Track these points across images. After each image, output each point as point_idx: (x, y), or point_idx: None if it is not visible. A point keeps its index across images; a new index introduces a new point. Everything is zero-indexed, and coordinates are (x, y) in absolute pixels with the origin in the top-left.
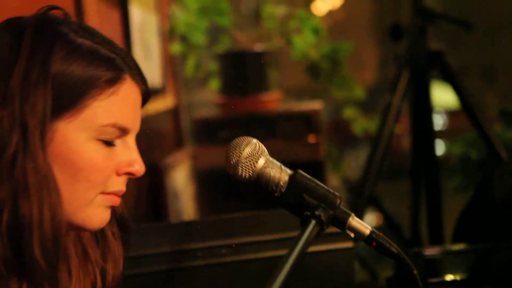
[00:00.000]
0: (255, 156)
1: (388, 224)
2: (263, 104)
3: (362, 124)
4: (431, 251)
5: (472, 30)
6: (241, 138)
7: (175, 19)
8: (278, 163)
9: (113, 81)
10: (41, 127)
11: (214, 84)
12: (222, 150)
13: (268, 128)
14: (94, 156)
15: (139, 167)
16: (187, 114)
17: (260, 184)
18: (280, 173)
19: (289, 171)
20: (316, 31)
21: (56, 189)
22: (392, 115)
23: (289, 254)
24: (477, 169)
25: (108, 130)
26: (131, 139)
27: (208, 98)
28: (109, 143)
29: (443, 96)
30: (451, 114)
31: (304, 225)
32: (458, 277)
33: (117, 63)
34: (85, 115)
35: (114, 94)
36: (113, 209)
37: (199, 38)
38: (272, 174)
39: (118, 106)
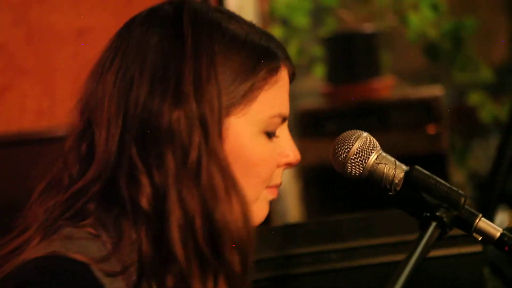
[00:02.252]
0: (366, 152)
1: None
2: (374, 91)
3: (491, 110)
4: None
5: None
6: (349, 132)
7: (275, 0)
8: (392, 159)
9: (275, 69)
10: (218, 124)
11: (319, 71)
12: (329, 144)
13: (381, 118)
14: (264, 150)
15: (297, 156)
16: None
17: (372, 182)
18: (394, 169)
19: (404, 167)
20: (435, 7)
21: (240, 187)
22: None
23: (407, 260)
24: None
25: (274, 121)
26: (285, 127)
27: (313, 86)
28: (271, 135)
29: None
30: None
31: (423, 227)
32: None
33: (273, 50)
34: (254, 107)
35: (277, 82)
36: None
37: (302, 20)
38: (385, 171)
39: (280, 94)
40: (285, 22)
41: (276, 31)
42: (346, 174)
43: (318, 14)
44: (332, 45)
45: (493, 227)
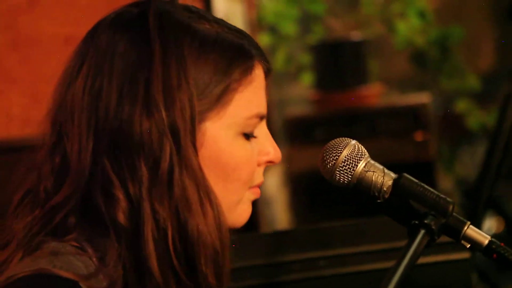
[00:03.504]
0: (354, 159)
1: (510, 231)
2: (362, 98)
3: (477, 117)
4: None
5: None
6: (337, 139)
7: (263, 7)
8: (381, 166)
9: (249, 69)
10: (191, 132)
11: (307, 79)
12: (318, 151)
13: (369, 125)
14: (243, 152)
15: (278, 154)
16: (277, 112)
17: (360, 189)
18: (382, 177)
19: (393, 175)
20: (422, 15)
21: (216, 198)
22: None
23: (395, 268)
24: None
25: (251, 122)
26: (264, 125)
27: (301, 94)
28: (250, 135)
29: None
30: None
31: (411, 234)
32: None
33: (246, 48)
34: (230, 110)
35: (252, 81)
36: None
37: (290, 28)
38: (373, 178)
39: (256, 93)
40: (273, 30)
41: (264, 39)
42: (335, 181)
43: (306, 22)
44: (320, 53)
45: (481, 235)
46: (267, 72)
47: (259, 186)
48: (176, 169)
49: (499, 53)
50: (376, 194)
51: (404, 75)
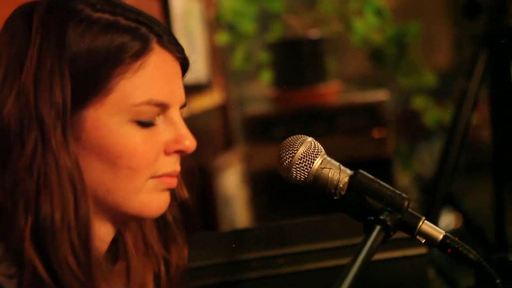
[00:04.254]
0: (311, 157)
1: (468, 226)
2: (321, 96)
3: (434, 114)
4: None
5: None
6: (293, 137)
7: (221, 6)
8: (337, 163)
9: (139, 54)
10: (61, 121)
11: (266, 77)
12: (277, 150)
13: (327, 123)
14: (131, 141)
15: (189, 142)
16: (237, 110)
17: (317, 187)
18: (339, 174)
19: (349, 172)
20: (379, 13)
21: (82, 187)
22: (468, 103)
23: (351, 264)
24: None
25: (143, 109)
26: (174, 113)
27: (260, 92)
28: (146, 124)
29: None
30: None
31: (367, 231)
32: None
33: (141, 32)
34: (114, 97)
35: (143, 68)
36: (173, 192)
37: (248, 26)
38: (330, 175)
39: (150, 80)
40: (231, 28)
41: (223, 37)
42: (291, 179)
43: (264, 20)
44: (278, 51)
45: (436, 230)
46: (182, 62)
47: (172, 176)
48: (39, 156)
49: (455, 50)
50: (333, 191)
51: (362, 73)
